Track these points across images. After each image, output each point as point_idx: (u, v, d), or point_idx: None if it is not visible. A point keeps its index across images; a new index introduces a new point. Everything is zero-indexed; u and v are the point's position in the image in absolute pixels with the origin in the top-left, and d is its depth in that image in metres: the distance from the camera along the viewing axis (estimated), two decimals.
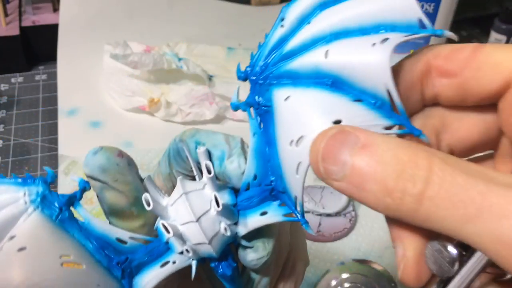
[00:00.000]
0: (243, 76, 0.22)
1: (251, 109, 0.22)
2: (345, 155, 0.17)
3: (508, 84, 0.18)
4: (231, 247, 0.24)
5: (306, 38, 0.20)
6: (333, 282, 0.21)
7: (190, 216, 0.21)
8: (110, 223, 0.24)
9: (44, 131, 0.73)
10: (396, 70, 0.19)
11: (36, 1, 0.93)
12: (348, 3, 0.19)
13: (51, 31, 0.87)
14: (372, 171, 0.16)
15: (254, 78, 0.21)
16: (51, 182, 0.22)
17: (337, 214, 0.57)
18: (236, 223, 0.22)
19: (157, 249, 0.23)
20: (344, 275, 0.20)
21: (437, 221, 0.15)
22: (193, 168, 0.24)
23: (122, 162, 0.23)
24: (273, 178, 0.22)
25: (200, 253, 0.22)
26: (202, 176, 0.23)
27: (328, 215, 0.57)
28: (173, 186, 0.25)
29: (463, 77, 0.18)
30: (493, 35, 0.86)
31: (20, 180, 0.21)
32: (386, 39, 0.17)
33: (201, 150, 0.23)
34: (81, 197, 0.22)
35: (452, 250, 0.18)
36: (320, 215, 0.57)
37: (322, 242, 0.56)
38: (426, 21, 0.18)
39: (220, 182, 0.24)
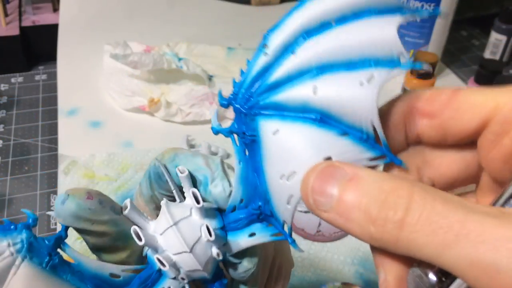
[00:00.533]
0: (226, 104, 0.22)
1: (235, 136, 0.22)
2: (333, 188, 0.18)
3: (485, 123, 0.19)
4: (219, 264, 0.24)
5: (292, 70, 0.20)
6: None
7: (183, 247, 0.22)
8: (98, 257, 0.24)
9: (44, 131, 0.73)
10: (382, 111, 0.20)
11: (36, 1, 0.93)
12: (332, 34, 0.19)
13: (51, 31, 0.87)
14: (357, 201, 0.18)
15: (238, 106, 0.21)
16: (34, 226, 0.21)
17: None
18: (225, 244, 0.23)
19: (150, 277, 0.23)
20: None
21: (417, 248, 0.16)
22: (175, 193, 0.24)
23: (93, 204, 0.23)
24: (260, 204, 0.22)
25: (194, 277, 0.23)
26: (184, 199, 0.24)
27: None
28: (156, 207, 0.26)
29: (443, 118, 0.20)
30: (493, 35, 0.86)
31: (2, 228, 0.20)
32: (372, 77, 0.19)
33: (183, 175, 0.23)
34: (66, 236, 0.22)
35: (432, 277, 0.19)
36: None
37: (322, 242, 0.56)
38: (406, 55, 0.19)
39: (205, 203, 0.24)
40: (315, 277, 0.52)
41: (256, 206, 0.22)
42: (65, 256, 0.22)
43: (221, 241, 0.23)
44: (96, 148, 0.65)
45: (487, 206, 0.17)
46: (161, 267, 0.21)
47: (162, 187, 0.25)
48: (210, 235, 0.21)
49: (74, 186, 0.60)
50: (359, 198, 0.18)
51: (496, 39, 0.86)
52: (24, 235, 0.20)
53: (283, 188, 0.20)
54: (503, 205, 0.19)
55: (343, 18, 0.20)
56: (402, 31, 0.77)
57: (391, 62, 0.19)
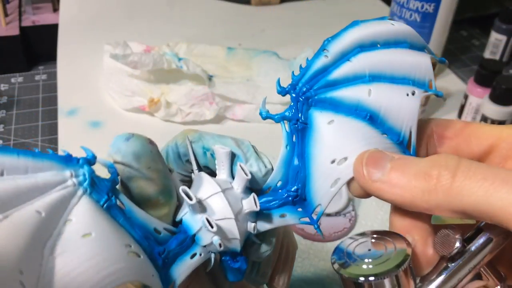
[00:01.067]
0: (283, 92, 0.24)
1: (285, 123, 0.24)
2: (386, 162, 0.21)
3: (491, 148, 0.23)
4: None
5: (349, 73, 0.24)
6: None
7: (230, 213, 0.23)
8: None
9: (44, 131, 0.73)
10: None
11: (36, 1, 0.93)
12: (382, 52, 0.24)
13: (51, 31, 0.87)
14: (408, 170, 0.21)
15: (295, 95, 0.24)
16: (93, 163, 0.21)
17: (337, 214, 0.57)
18: (255, 222, 0.24)
19: (186, 240, 0.23)
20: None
21: (469, 192, 0.19)
22: (195, 173, 0.25)
23: (154, 149, 0.23)
24: (298, 186, 0.24)
25: (228, 247, 0.24)
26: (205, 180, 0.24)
27: (328, 215, 0.57)
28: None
29: (457, 141, 0.24)
30: (493, 35, 0.86)
31: (62, 158, 0.20)
32: (414, 92, 0.24)
33: (224, 151, 0.24)
34: (118, 182, 0.22)
35: (458, 232, 0.22)
36: None
37: (322, 242, 0.56)
38: (434, 83, 0.24)
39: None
40: (314, 276, 0.52)
41: (294, 188, 0.24)
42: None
43: (254, 217, 0.24)
44: (96, 148, 0.65)
45: None
46: (209, 227, 0.22)
47: (181, 167, 0.26)
48: (256, 205, 0.23)
49: None
50: (410, 168, 0.20)
51: (496, 39, 0.86)
52: (86, 169, 0.20)
53: (332, 171, 0.23)
54: None
55: (387, 43, 0.25)
56: None
57: (423, 85, 0.24)
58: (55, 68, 0.82)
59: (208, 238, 0.23)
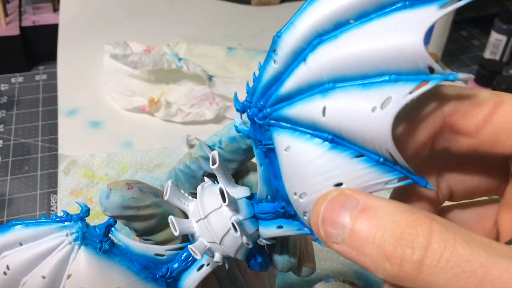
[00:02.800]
0: (241, 109, 0.21)
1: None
2: (345, 219, 0.17)
3: None
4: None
5: (302, 82, 0.18)
6: None
7: (213, 238, 0.23)
8: (146, 240, 0.26)
9: (44, 131, 0.73)
10: (405, 129, 0.18)
11: (36, 1, 0.93)
12: (348, 38, 0.17)
13: (51, 31, 0.87)
14: (371, 235, 0.16)
15: (252, 115, 0.20)
16: (86, 216, 0.24)
17: None
18: (257, 229, 0.24)
19: (191, 255, 0.25)
20: None
21: None
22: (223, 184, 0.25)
23: (135, 192, 0.24)
24: (284, 204, 0.22)
25: (229, 259, 0.24)
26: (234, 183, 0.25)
27: None
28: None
29: (479, 139, 0.18)
30: (493, 35, 0.86)
31: (59, 221, 0.23)
32: (389, 98, 0.16)
33: (215, 166, 0.23)
34: (115, 223, 0.24)
35: None
36: None
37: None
38: (436, 66, 0.16)
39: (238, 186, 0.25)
40: (315, 276, 0.52)
41: (281, 205, 0.22)
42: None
43: (251, 228, 0.24)
44: (96, 148, 0.65)
45: (510, 247, 0.15)
46: (194, 255, 0.23)
47: (194, 186, 0.26)
48: (236, 230, 0.22)
49: (74, 186, 0.61)
50: (373, 231, 0.16)
51: (496, 39, 0.86)
52: (79, 225, 0.23)
53: (297, 203, 0.20)
54: None
55: (365, 14, 0.16)
56: None
57: (416, 76, 0.16)
58: (55, 68, 0.82)
59: (212, 254, 0.24)
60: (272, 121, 0.19)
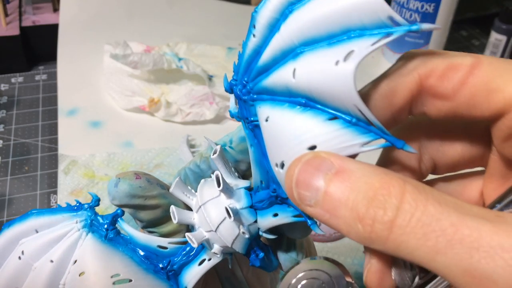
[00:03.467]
0: (228, 88, 0.21)
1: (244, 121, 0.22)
2: (319, 181, 0.17)
3: (502, 112, 0.17)
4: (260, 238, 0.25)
5: (276, 51, 0.19)
6: (295, 277, 0.22)
7: (209, 226, 0.23)
8: (151, 232, 0.26)
9: (44, 131, 0.73)
10: (382, 90, 0.18)
11: (36, 1, 0.93)
12: (315, 2, 0.17)
13: (51, 31, 0.87)
14: (344, 197, 0.16)
15: (237, 92, 0.21)
16: (96, 205, 0.25)
17: None
18: (256, 221, 0.24)
19: (193, 249, 0.25)
20: (308, 270, 0.21)
21: (407, 250, 0.15)
22: (231, 179, 0.25)
23: (143, 182, 0.25)
24: (275, 187, 0.22)
25: (228, 251, 0.24)
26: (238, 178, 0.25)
27: None
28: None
29: (456, 102, 0.17)
30: (493, 35, 0.86)
31: (71, 208, 0.25)
32: (351, 51, 0.16)
33: (214, 156, 0.24)
34: (123, 214, 0.25)
35: (414, 273, 0.19)
36: None
37: (322, 242, 0.55)
38: (398, 18, 0.16)
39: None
40: None
41: (272, 188, 0.22)
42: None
43: (249, 218, 0.23)
44: (96, 148, 0.65)
45: (484, 209, 0.15)
46: (191, 243, 0.23)
47: None
48: (230, 216, 0.22)
49: (74, 186, 0.61)
50: (346, 193, 0.16)
51: (496, 39, 0.86)
52: (88, 213, 0.25)
53: (279, 176, 0.20)
54: (502, 209, 0.18)
55: None
56: None
57: (379, 29, 0.16)
58: (55, 68, 0.82)
59: (209, 246, 0.24)
60: (255, 96, 0.20)
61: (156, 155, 0.65)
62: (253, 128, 0.21)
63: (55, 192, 0.62)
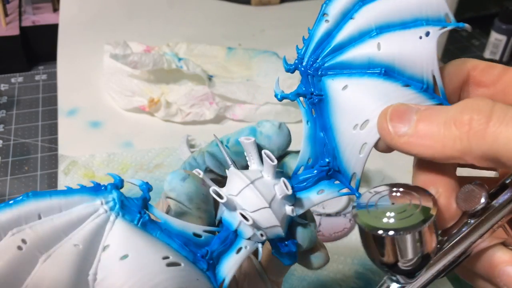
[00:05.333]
0: (292, 69, 0.24)
1: (301, 99, 0.24)
2: (411, 115, 0.20)
3: None
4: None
5: (354, 32, 0.23)
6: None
7: (263, 203, 0.23)
8: None
9: (44, 131, 0.73)
10: (443, 71, 0.23)
11: (36, 1, 0.93)
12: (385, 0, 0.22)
13: (51, 31, 0.87)
14: (438, 117, 0.19)
15: (303, 69, 0.24)
16: (121, 187, 0.22)
17: (337, 214, 0.57)
18: (293, 204, 0.24)
19: (228, 238, 0.24)
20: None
21: (506, 140, 0.18)
22: (232, 168, 0.26)
23: (206, 191, 0.24)
24: (329, 160, 0.24)
25: (270, 234, 0.24)
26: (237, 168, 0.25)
27: (328, 215, 0.57)
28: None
29: (493, 90, 0.23)
30: (493, 35, 0.86)
31: (91, 189, 0.22)
32: (428, 32, 0.22)
33: (249, 141, 0.25)
34: (150, 198, 0.23)
35: (483, 188, 0.21)
36: (320, 215, 0.57)
37: (323, 242, 0.55)
38: (451, 16, 0.22)
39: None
40: (315, 276, 0.52)
41: (325, 162, 0.24)
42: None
43: (291, 200, 0.24)
44: (96, 148, 0.65)
45: None
46: (244, 221, 0.23)
47: (219, 168, 0.27)
48: (288, 189, 0.23)
49: (74, 186, 0.60)
50: (439, 117, 0.19)
51: (496, 39, 0.86)
52: (115, 194, 0.22)
53: (357, 138, 0.22)
54: None
55: None
56: None
57: (439, 21, 0.22)
58: (55, 68, 0.82)
59: (249, 230, 0.24)
60: (326, 70, 0.23)
61: (156, 155, 0.65)
62: (317, 103, 0.24)
63: None
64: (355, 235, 0.56)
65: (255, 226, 0.23)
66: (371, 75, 0.22)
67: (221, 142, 0.26)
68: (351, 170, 0.24)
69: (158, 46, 0.79)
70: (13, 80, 0.84)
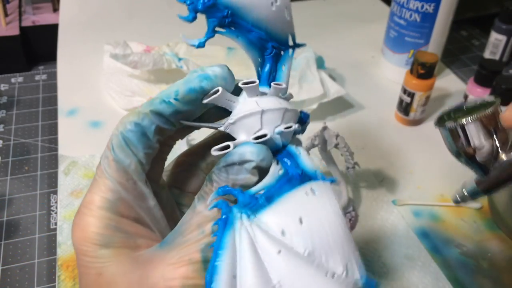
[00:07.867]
0: (191, 17, 0.30)
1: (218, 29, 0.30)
2: None
3: None
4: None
5: None
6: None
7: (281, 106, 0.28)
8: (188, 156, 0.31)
9: (44, 131, 0.73)
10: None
11: (36, 1, 0.93)
12: None
13: (51, 31, 0.87)
14: None
15: (202, 6, 0.30)
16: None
17: None
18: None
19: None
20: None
21: None
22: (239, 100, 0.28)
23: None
24: (272, 43, 0.29)
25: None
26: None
27: None
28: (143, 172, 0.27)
29: None
30: (493, 35, 0.86)
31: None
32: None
33: (255, 83, 0.27)
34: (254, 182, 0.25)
35: None
36: None
37: None
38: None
39: None
40: None
41: (270, 46, 0.29)
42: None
43: (284, 93, 0.29)
44: (96, 148, 0.65)
45: None
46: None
47: (146, 145, 0.26)
48: (281, 85, 0.28)
49: (74, 186, 0.61)
50: None
51: (496, 39, 0.86)
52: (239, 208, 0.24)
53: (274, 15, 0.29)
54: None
55: None
56: (402, 31, 0.77)
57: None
58: (55, 68, 0.82)
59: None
60: None
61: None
62: (231, 22, 0.29)
63: (55, 192, 0.62)
64: (355, 235, 0.56)
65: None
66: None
67: (163, 100, 0.26)
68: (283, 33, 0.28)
69: (158, 46, 0.79)
70: (13, 80, 0.84)
